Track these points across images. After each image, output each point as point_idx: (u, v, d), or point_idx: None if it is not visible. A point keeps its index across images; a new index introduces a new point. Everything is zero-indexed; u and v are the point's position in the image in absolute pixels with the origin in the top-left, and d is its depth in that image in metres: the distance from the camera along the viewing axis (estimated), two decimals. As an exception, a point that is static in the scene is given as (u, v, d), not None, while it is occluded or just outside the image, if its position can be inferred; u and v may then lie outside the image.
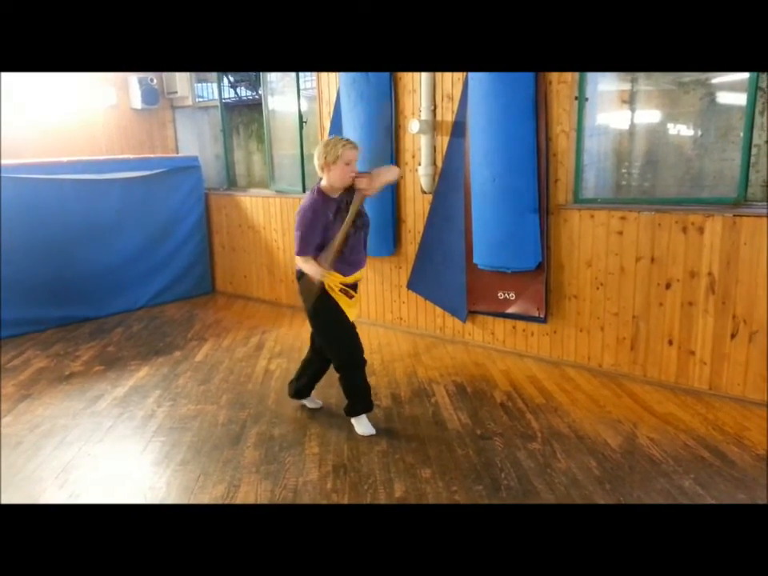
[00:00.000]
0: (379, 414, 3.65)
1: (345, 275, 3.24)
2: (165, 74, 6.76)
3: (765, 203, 3.71)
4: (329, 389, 4.05)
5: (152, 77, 6.61)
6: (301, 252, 3.14)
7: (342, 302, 3.27)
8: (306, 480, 2.96)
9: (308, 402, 3.77)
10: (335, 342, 3.37)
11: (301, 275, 3.26)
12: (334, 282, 3.21)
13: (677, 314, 3.84)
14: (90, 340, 5.23)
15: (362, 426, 3.42)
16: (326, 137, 5.29)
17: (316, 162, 3.13)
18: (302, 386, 3.71)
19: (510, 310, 4.48)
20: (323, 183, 3.16)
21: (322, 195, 3.13)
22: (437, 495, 2.81)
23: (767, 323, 3.52)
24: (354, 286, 3.33)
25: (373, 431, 3.40)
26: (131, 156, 6.29)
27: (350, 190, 3.15)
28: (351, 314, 3.33)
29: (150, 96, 6.61)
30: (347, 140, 3.12)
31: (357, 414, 3.44)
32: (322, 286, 3.17)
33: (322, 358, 3.54)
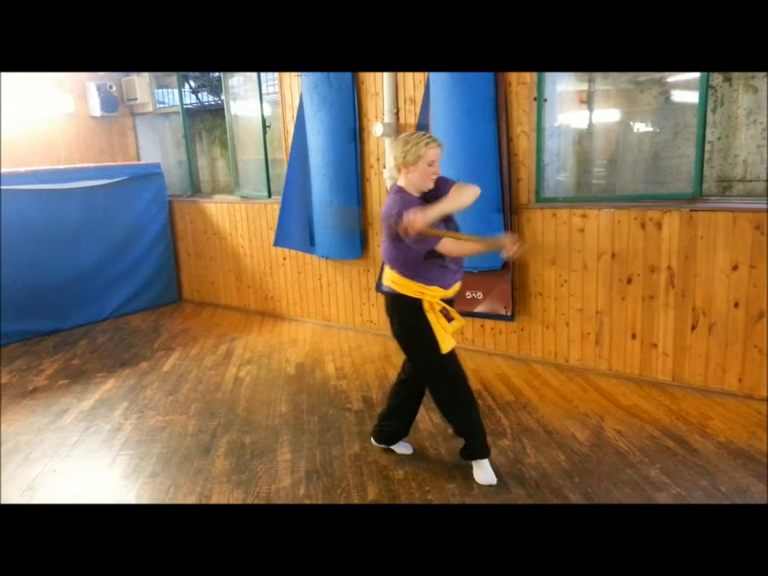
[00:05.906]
0: (351, 417, 3.66)
1: (446, 287, 2.77)
2: (124, 81, 6.65)
3: (719, 198, 3.83)
4: (299, 395, 4.04)
5: (111, 83, 6.51)
6: (431, 242, 2.62)
7: (441, 326, 2.75)
8: (279, 487, 2.95)
9: (398, 448, 3.22)
10: (436, 375, 2.89)
11: (393, 296, 2.80)
12: (434, 297, 2.73)
13: (639, 308, 3.93)
14: (53, 353, 5.11)
15: (482, 472, 2.93)
16: (290, 140, 5.27)
17: (392, 162, 2.76)
18: (395, 428, 3.16)
19: (479, 309, 4.52)
20: (401, 183, 2.75)
21: (406, 192, 2.73)
22: (410, 496, 2.83)
23: None
24: (451, 302, 2.88)
25: (494, 480, 2.89)
26: (91, 164, 6.17)
27: (429, 193, 2.77)
28: (447, 344, 2.77)
29: (109, 103, 6.50)
30: (430, 136, 2.69)
31: (474, 458, 2.96)
32: (420, 304, 2.73)
33: (419, 387, 3.06)
